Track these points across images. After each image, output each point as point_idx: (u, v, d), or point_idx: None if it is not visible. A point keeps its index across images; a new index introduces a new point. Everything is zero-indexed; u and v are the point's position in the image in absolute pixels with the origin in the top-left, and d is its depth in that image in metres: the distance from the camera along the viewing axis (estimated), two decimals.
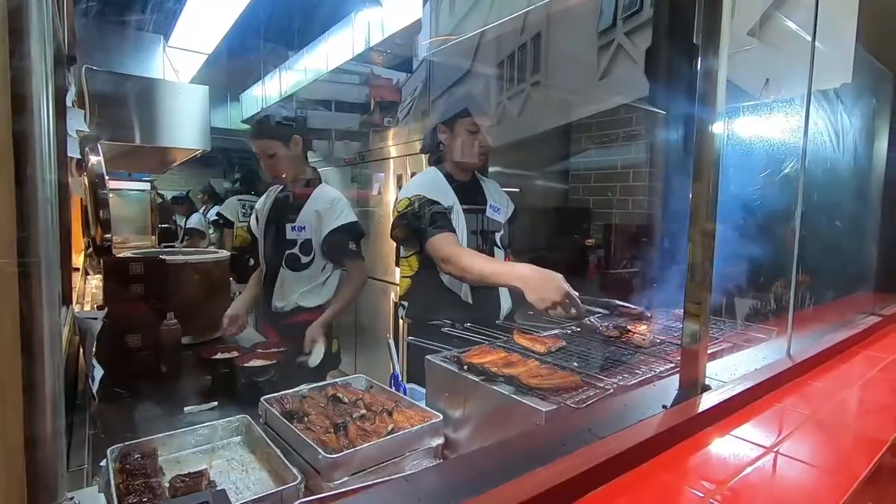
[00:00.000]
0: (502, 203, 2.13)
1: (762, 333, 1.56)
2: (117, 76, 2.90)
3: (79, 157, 1.64)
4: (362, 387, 1.51)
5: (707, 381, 0.90)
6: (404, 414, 1.29)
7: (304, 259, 2.21)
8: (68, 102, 1.52)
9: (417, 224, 1.84)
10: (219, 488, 1.03)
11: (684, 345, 0.85)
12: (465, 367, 1.22)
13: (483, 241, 2.02)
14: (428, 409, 1.29)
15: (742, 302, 2.24)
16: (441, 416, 1.24)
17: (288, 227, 2.20)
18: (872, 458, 0.74)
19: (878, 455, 0.76)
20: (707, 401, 0.81)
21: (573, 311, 1.48)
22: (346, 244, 2.16)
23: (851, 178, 1.70)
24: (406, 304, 2.05)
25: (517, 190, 3.25)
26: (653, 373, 1.22)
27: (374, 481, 1.05)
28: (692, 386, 0.84)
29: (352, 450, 1.08)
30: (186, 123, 3.16)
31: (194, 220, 5.96)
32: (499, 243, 2.07)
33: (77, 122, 1.52)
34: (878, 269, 1.66)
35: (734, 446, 0.76)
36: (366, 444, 1.11)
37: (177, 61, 3.80)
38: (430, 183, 1.95)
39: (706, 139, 0.87)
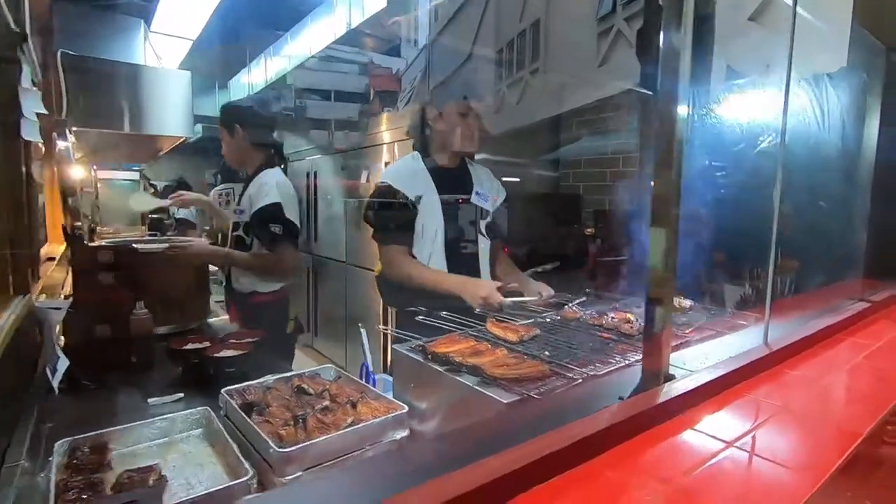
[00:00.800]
0: (491, 190, 2.06)
1: (746, 321, 1.51)
2: (94, 61, 2.83)
3: (39, 140, 1.59)
4: (331, 377, 1.46)
5: (674, 371, 0.84)
6: (369, 405, 1.24)
7: (247, 240, 2.30)
8: (24, 83, 1.46)
9: (378, 215, 1.84)
10: (153, 485, 0.99)
11: (646, 332, 0.80)
12: (430, 356, 1.17)
13: (464, 229, 1.97)
14: (394, 400, 1.24)
15: (732, 289, 2.19)
16: (406, 408, 1.19)
17: (232, 209, 2.39)
18: (845, 451, 0.69)
19: (852, 447, 0.70)
20: (669, 391, 0.75)
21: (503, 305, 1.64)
22: (267, 226, 2.19)
23: (839, 158, 1.62)
24: (379, 288, 2.01)
25: (517, 180, 3.20)
26: (626, 362, 1.17)
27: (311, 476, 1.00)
28: (654, 376, 0.79)
29: (305, 443, 1.03)
30: (167, 110, 3.09)
31: (184, 210, 5.91)
32: (483, 231, 2.00)
33: (33, 104, 1.45)
34: (867, 255, 1.58)
35: (695, 440, 0.70)
36: (320, 438, 1.06)
37: (161, 47, 3.73)
38: (403, 170, 1.91)
39: (667, 118, 0.82)
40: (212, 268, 2.63)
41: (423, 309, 1.82)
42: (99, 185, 4.70)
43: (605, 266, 2.69)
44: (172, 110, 3.12)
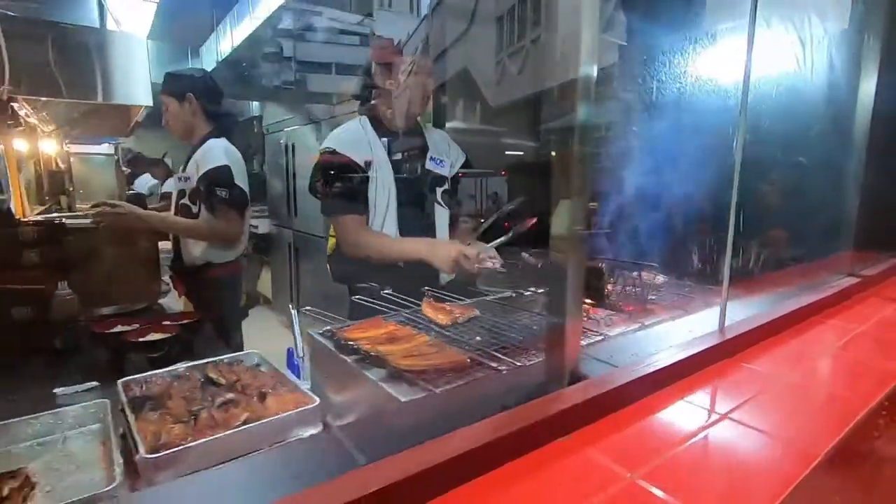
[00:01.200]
0: (448, 155, 1.89)
1: (731, 295, 1.34)
2: (37, 23, 2.63)
3: None
4: (252, 364, 1.31)
5: (595, 366, 0.67)
6: (280, 398, 1.09)
7: (194, 209, 2.21)
8: None
9: (326, 184, 1.67)
10: (7, 495, 0.85)
11: (546, 321, 0.63)
12: (337, 343, 1.01)
13: (419, 197, 1.80)
14: (308, 393, 1.09)
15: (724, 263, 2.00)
16: (317, 402, 1.04)
17: (176, 177, 2.33)
18: (796, 477, 0.53)
19: (807, 470, 0.54)
20: (569, 397, 0.59)
21: (476, 266, 1.51)
22: (214, 190, 2.11)
23: (826, 108, 1.39)
24: (330, 266, 1.86)
25: (521, 152, 3.00)
26: None
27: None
28: (557, 376, 0.62)
29: (178, 448, 0.88)
30: (121, 77, 2.91)
31: (170, 185, 5.74)
32: (440, 200, 1.83)
33: None
34: (859, 222, 1.37)
35: (598, 464, 0.53)
36: (199, 441, 0.91)
37: (123, 13, 3.51)
38: (349, 135, 1.74)
39: (564, 70, 0.65)
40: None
41: (374, 285, 1.69)
42: (72, 161, 4.53)
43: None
44: (126, 77, 2.93)
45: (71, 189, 4.54)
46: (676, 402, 0.67)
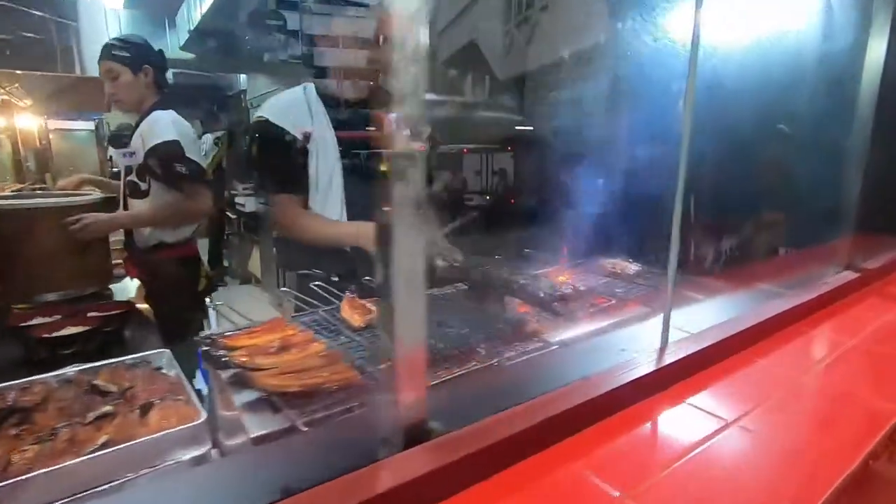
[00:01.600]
0: None
1: (697, 293, 1.15)
2: None
3: None
4: (160, 365, 1.16)
5: (466, 405, 0.49)
6: (165, 412, 0.94)
7: (143, 186, 2.07)
8: None
9: (259, 160, 1.50)
10: None
11: (379, 347, 0.44)
12: (208, 354, 0.85)
13: (369, 176, 1.62)
14: (199, 407, 0.94)
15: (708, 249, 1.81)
16: (203, 418, 0.89)
17: (121, 152, 2.15)
18: None
19: None
20: (393, 472, 0.40)
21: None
22: (170, 165, 1.98)
23: (817, 64, 1.17)
24: (276, 250, 1.71)
25: (532, 127, 2.83)
26: (495, 359, 0.85)
27: None
28: (394, 433, 0.44)
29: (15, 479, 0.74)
30: (86, 46, 2.75)
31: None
32: None
33: None
34: (862, 206, 1.14)
35: None
36: (43, 470, 0.76)
37: None
38: (287, 103, 1.56)
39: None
40: None
41: (318, 271, 1.56)
42: (51, 137, 4.39)
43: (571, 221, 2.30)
44: (93, 47, 2.77)
45: (51, 165, 4.43)
46: (568, 464, 0.48)
